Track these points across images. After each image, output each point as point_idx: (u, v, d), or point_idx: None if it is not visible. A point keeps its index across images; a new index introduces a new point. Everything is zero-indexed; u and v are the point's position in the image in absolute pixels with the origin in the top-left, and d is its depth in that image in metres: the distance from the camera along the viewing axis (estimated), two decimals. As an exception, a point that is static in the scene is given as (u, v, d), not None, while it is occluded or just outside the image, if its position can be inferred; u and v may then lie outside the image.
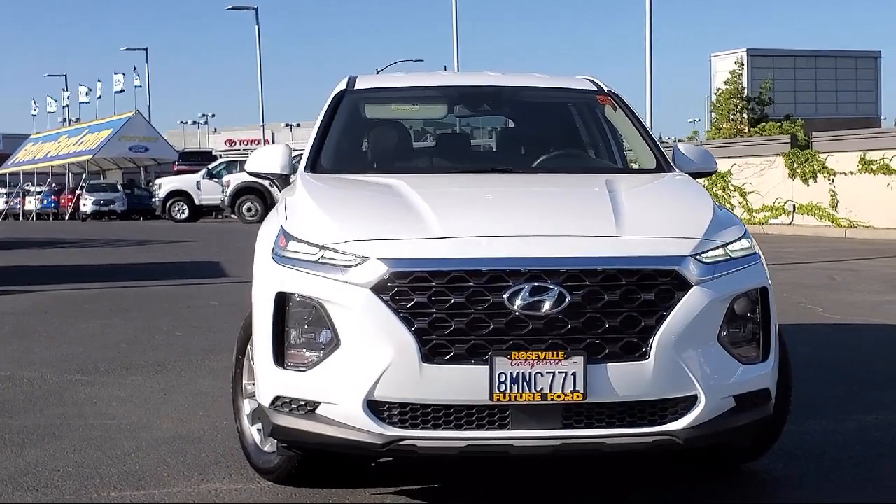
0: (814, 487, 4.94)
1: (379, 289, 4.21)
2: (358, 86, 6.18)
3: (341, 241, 4.37)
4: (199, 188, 39.75)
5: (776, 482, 5.06)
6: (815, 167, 24.99)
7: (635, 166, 5.99)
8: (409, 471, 5.08)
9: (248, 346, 5.12)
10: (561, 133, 6.33)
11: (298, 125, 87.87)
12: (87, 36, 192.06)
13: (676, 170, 5.68)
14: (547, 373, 4.16)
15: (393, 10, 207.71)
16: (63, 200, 49.99)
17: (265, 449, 5.01)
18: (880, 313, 10.70)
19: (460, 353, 4.17)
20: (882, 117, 46.17)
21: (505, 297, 4.16)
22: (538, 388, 4.16)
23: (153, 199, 42.67)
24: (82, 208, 46.49)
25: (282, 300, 4.41)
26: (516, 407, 4.19)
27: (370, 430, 4.24)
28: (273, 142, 61.61)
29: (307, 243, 4.44)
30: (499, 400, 4.16)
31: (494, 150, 6.08)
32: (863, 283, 13.63)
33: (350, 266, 4.29)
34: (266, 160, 5.81)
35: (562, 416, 4.22)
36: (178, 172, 46.25)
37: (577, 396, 4.17)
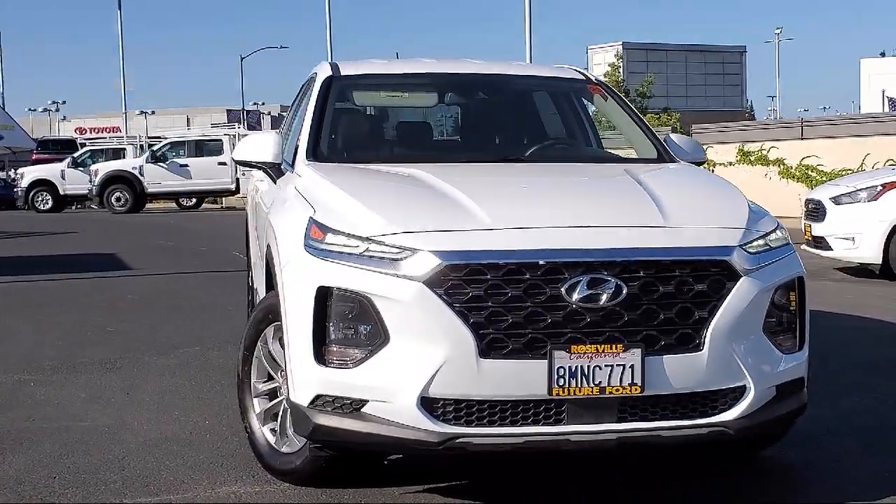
0: (831, 473, 4.99)
1: (432, 282, 4.07)
2: (345, 72, 5.99)
3: (388, 232, 4.21)
4: (63, 178, 38.36)
5: (795, 472, 5.08)
6: (697, 158, 25.51)
7: (633, 155, 5.95)
8: (431, 467, 4.94)
9: (259, 343, 4.92)
10: (556, 122, 6.26)
11: (153, 112, 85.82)
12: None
13: (678, 159, 5.67)
14: (605, 366, 4.09)
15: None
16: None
17: (282, 449, 4.81)
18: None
19: (517, 347, 4.07)
20: (749, 110, 47.63)
21: (563, 289, 4.07)
22: (596, 382, 4.09)
23: (14, 190, 41.03)
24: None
25: (323, 295, 4.23)
26: (573, 401, 4.11)
27: (425, 427, 4.10)
28: (128, 130, 59.89)
29: (349, 235, 4.26)
30: (557, 394, 4.08)
31: (497, 139, 5.96)
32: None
33: (399, 259, 4.14)
34: (257, 148, 5.57)
35: (617, 409, 4.16)
36: (37, 161, 44.53)
37: (636, 389, 4.12)
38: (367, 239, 4.22)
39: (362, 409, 4.20)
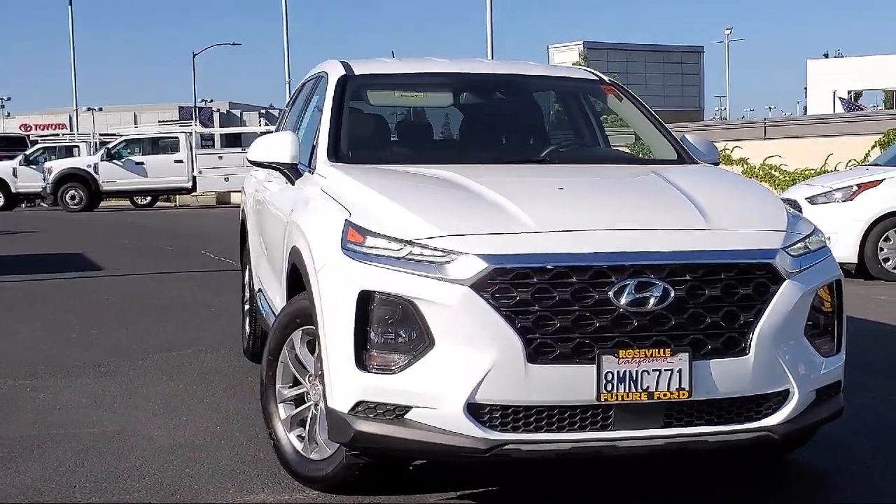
0: (859, 475, 4.99)
1: (479, 286, 4.00)
2: (358, 71, 5.89)
3: (432, 235, 4.14)
4: (15, 175, 37.73)
5: (827, 476, 5.07)
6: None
7: (652, 156, 5.91)
8: (462, 473, 4.87)
9: (285, 348, 4.82)
10: (573, 123, 6.21)
11: (101, 109, 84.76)
12: None
13: (697, 160, 5.64)
14: (653, 370, 4.05)
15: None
16: None
17: (311, 456, 4.72)
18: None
19: (566, 352, 4.02)
20: (702, 108, 48.03)
21: (611, 293, 4.03)
22: (644, 387, 4.05)
23: (-36, 188, 40.28)
24: None
25: (365, 299, 4.14)
26: (620, 406, 4.07)
27: (472, 434, 4.03)
28: (77, 128, 59.10)
29: (390, 238, 4.18)
30: (606, 400, 4.03)
31: (520, 140, 5.89)
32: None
33: (445, 262, 4.07)
34: (273, 148, 5.45)
35: (664, 414, 4.12)
36: (-15, 159, 43.77)
37: (683, 394, 4.08)
38: (410, 242, 4.14)
39: (405, 416, 4.12)
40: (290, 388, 4.85)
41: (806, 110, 60.08)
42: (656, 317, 4.05)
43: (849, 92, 50.93)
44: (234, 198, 38.40)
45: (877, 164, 14.10)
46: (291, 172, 5.45)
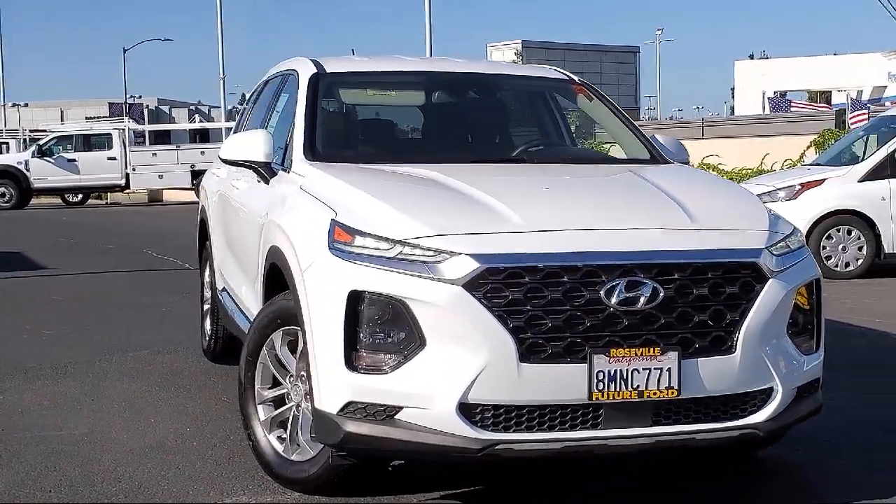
0: (837, 470, 5.06)
1: (471, 285, 3.99)
2: (330, 69, 5.84)
3: (422, 235, 4.12)
4: (-57, 172, 37.00)
5: (801, 471, 5.14)
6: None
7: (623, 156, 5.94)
8: (445, 473, 4.86)
9: (264, 348, 4.77)
10: (545, 122, 6.22)
11: (26, 105, 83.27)
12: None
13: (670, 160, 5.68)
14: (643, 369, 4.08)
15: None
16: None
17: (292, 458, 4.67)
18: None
19: (557, 352, 4.03)
20: (639, 107, 48.48)
21: (602, 292, 4.04)
22: (635, 386, 4.07)
23: None
24: None
25: (354, 299, 4.11)
26: (610, 405, 4.09)
27: (464, 434, 4.03)
28: (4, 123, 57.98)
29: (380, 238, 4.16)
30: (597, 399, 4.05)
31: (496, 140, 5.88)
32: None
33: (436, 262, 4.05)
34: (247, 147, 5.39)
35: (651, 412, 4.15)
36: None
37: (672, 393, 4.11)
38: (401, 242, 4.12)
39: (396, 416, 4.10)
40: (269, 388, 4.80)
41: (733, 111, 60.87)
42: (646, 316, 4.08)
43: (775, 92, 51.72)
44: (168, 196, 38.01)
45: (818, 164, 14.36)
46: (266, 171, 5.40)
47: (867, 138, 14.57)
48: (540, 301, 4.01)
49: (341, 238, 4.25)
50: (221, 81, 44.74)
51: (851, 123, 24.07)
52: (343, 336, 4.13)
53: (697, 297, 4.15)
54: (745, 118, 24.65)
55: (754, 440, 4.38)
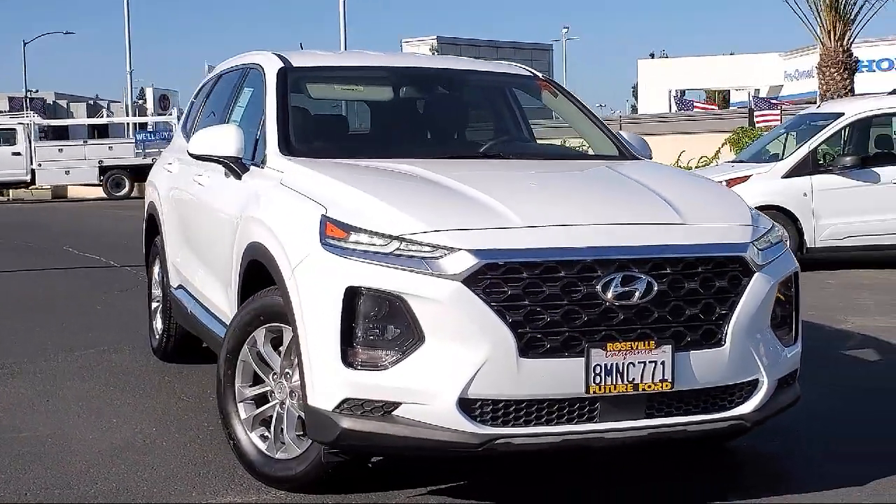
0: (803, 458, 5.18)
1: (470, 281, 4.00)
2: (296, 63, 5.79)
3: (418, 231, 4.11)
4: None
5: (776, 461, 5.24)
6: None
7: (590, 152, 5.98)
8: (430, 469, 4.85)
9: (245, 346, 4.71)
10: (511, 118, 6.24)
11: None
12: None
13: (639, 157, 5.75)
14: (639, 363, 4.13)
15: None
16: None
17: (276, 456, 4.62)
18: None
19: (555, 346, 4.06)
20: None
21: (598, 287, 4.08)
22: (630, 379, 4.12)
23: None
24: None
25: (351, 295, 4.09)
26: (605, 399, 4.13)
27: (465, 429, 4.03)
28: None
29: (375, 234, 4.14)
30: (594, 392, 4.09)
31: (471, 134, 5.88)
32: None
33: (435, 258, 4.05)
34: (217, 141, 5.31)
35: (645, 405, 4.20)
36: None
37: (666, 385, 4.17)
38: (398, 238, 4.11)
39: (394, 412, 4.09)
40: (250, 386, 4.74)
41: (636, 109, 61.66)
42: (640, 310, 4.13)
43: (676, 91, 52.52)
44: (73, 192, 37.24)
45: (741, 161, 14.64)
46: (237, 166, 5.33)
47: (786, 136, 14.93)
48: (538, 296, 4.04)
49: (334, 234, 4.22)
50: (129, 76, 43.99)
51: (758, 122, 24.67)
52: (339, 332, 4.10)
53: (689, 291, 4.21)
54: (661, 116, 24.94)
55: (741, 431, 4.45)
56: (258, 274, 4.75)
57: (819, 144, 13.28)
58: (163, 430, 5.62)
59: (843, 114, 13.47)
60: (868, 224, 12.84)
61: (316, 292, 4.19)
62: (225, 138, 5.30)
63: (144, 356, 7.49)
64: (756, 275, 4.37)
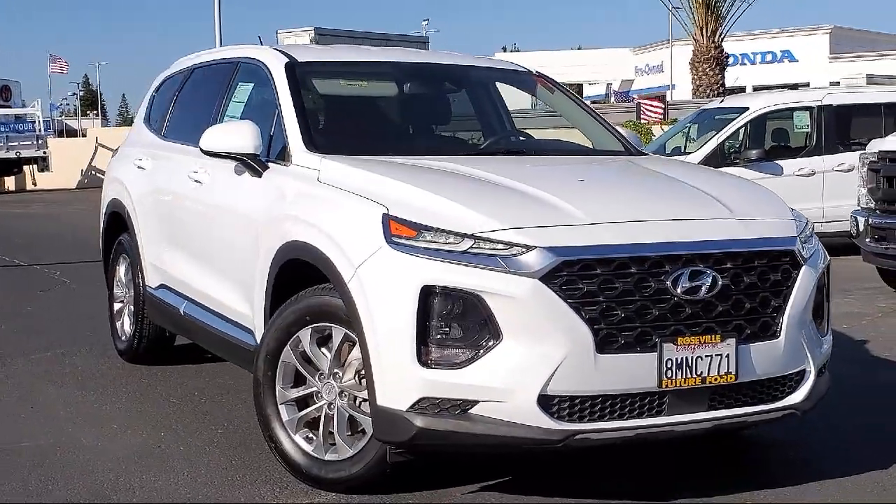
0: (819, 443, 5.34)
1: (548, 278, 4.02)
2: (301, 58, 5.68)
3: (495, 229, 4.10)
4: None
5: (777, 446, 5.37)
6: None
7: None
8: (471, 465, 4.83)
9: (288, 347, 4.61)
10: (504, 115, 6.24)
11: None
12: None
13: (645, 152, 5.84)
14: (706, 356, 4.21)
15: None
16: None
17: (325, 458, 4.54)
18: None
19: (629, 341, 4.11)
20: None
21: (668, 282, 4.15)
22: (699, 372, 4.21)
23: None
24: None
25: (426, 294, 4.05)
26: (673, 392, 4.20)
27: (545, 426, 4.05)
28: None
29: (447, 232, 4.11)
30: (666, 386, 4.16)
31: (490, 131, 5.84)
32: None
33: (511, 255, 4.05)
34: (233, 138, 5.16)
35: (708, 397, 4.29)
36: None
37: (730, 378, 4.26)
38: (472, 236, 4.09)
39: (470, 410, 4.08)
40: (292, 388, 4.65)
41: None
42: (707, 304, 4.21)
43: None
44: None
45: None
46: (256, 163, 5.20)
47: (689, 129, 15.32)
48: (612, 292, 4.08)
49: (402, 233, 4.17)
50: None
51: (643, 116, 25.32)
52: (414, 331, 4.06)
53: (749, 284, 4.31)
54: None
55: (795, 419, 4.58)
56: (297, 273, 4.66)
57: (726, 138, 13.67)
58: (173, 434, 5.46)
59: (748, 108, 13.89)
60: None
61: (387, 291, 4.14)
62: (243, 135, 5.16)
63: (107, 359, 7.24)
64: (803, 267, 4.49)
